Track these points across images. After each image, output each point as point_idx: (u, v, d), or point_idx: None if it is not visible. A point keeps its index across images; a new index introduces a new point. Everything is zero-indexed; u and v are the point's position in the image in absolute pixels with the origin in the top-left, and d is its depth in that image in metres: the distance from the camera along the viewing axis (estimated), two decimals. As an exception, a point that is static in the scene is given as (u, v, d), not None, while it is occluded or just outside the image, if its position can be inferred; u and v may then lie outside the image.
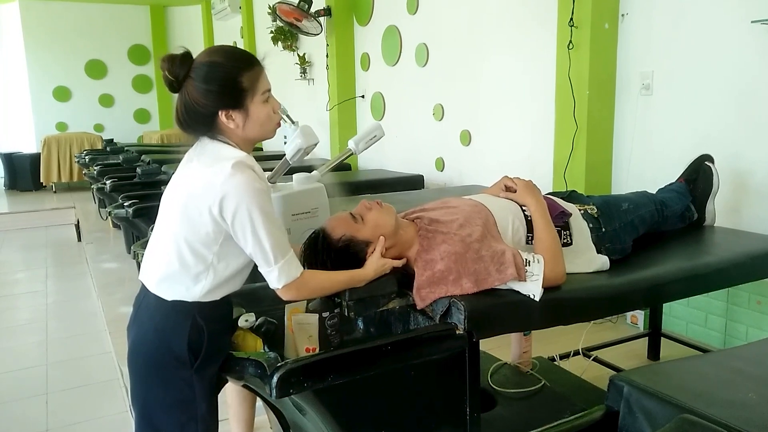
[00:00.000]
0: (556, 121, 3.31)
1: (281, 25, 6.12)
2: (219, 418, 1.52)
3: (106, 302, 3.83)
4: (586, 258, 1.80)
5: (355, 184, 4.23)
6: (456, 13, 4.24)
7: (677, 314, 2.96)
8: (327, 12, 5.55)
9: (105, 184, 4.97)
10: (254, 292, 1.55)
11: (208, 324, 1.40)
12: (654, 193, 2.25)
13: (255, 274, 1.43)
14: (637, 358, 2.71)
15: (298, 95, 6.70)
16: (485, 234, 1.61)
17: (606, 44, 3.09)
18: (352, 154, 2.04)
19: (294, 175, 1.97)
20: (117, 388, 2.72)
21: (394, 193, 3.70)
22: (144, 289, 1.44)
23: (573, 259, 1.75)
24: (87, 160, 6.69)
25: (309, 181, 1.96)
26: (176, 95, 1.40)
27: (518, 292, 1.55)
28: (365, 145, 2.02)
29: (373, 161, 5.44)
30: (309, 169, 2.16)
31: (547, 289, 1.55)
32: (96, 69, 9.92)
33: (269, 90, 1.43)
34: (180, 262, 1.37)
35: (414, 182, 4.51)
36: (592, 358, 2.55)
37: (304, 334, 1.54)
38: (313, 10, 5.56)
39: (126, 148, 7.00)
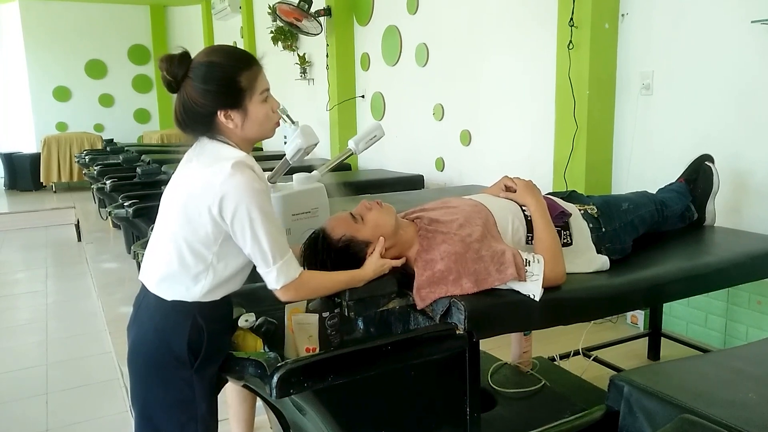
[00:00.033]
0: (556, 121, 3.31)
1: (281, 25, 6.12)
2: (219, 418, 1.52)
3: (106, 302, 3.83)
4: (586, 258, 1.80)
5: (355, 184, 4.23)
6: (456, 13, 4.24)
7: (677, 314, 2.96)
8: (327, 12, 5.55)
9: (105, 184, 4.97)
10: (254, 292, 1.55)
11: (208, 324, 1.40)
12: (654, 193, 2.25)
13: (255, 274, 1.43)
14: (637, 358, 2.71)
15: (298, 95, 6.70)
16: (485, 234, 1.61)
17: (606, 44, 3.09)
18: (352, 154, 2.04)
19: (294, 175, 1.97)
20: (117, 388, 2.72)
21: (394, 193, 3.70)
22: (144, 289, 1.44)
23: (573, 259, 1.75)
24: (87, 160, 6.69)
25: (309, 181, 1.96)
26: (175, 95, 1.40)
27: (518, 292, 1.55)
28: (365, 145, 2.02)
29: (373, 161, 5.44)
30: (309, 169, 2.16)
31: (547, 289, 1.55)
32: (96, 69, 9.93)
33: (268, 89, 1.43)
34: (180, 262, 1.37)
35: (414, 182, 4.51)
36: (592, 358, 2.55)
37: (304, 334, 1.54)
38: (313, 10, 5.56)
39: (126, 148, 7.01)
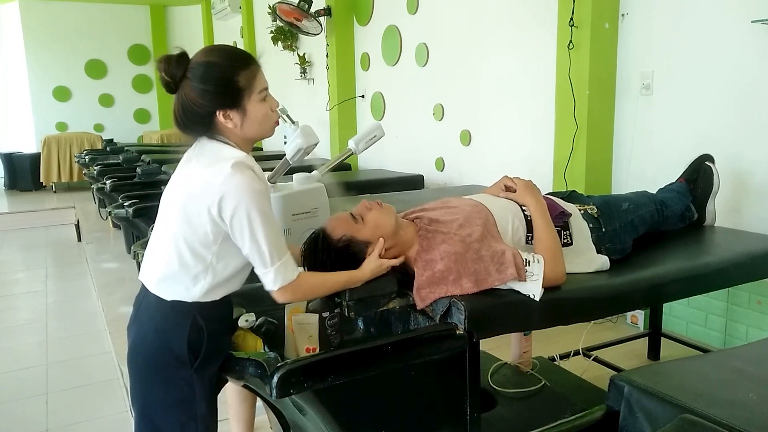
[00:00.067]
0: (556, 121, 3.31)
1: (281, 25, 6.12)
2: (219, 418, 1.52)
3: (106, 302, 3.83)
4: (586, 258, 1.80)
5: (355, 184, 4.23)
6: (456, 13, 4.24)
7: (677, 314, 2.96)
8: (327, 12, 5.55)
9: (105, 184, 4.97)
10: (254, 292, 1.55)
11: (208, 324, 1.40)
12: (654, 193, 2.25)
13: (255, 274, 1.43)
14: (637, 358, 2.71)
15: (298, 95, 6.70)
16: (485, 234, 1.61)
17: (606, 44, 3.09)
18: (352, 154, 2.04)
19: (294, 175, 1.97)
20: (117, 388, 2.72)
21: (394, 193, 3.70)
22: (144, 289, 1.44)
23: (573, 259, 1.75)
24: (87, 160, 6.69)
25: (309, 181, 1.96)
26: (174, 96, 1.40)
27: (518, 292, 1.55)
28: (365, 145, 2.02)
29: (373, 161, 5.44)
30: (309, 169, 2.16)
31: (547, 289, 1.54)
32: (96, 69, 9.93)
33: (266, 88, 1.43)
34: (179, 262, 1.37)
35: (414, 182, 4.51)
36: (592, 358, 2.55)
37: (304, 334, 1.54)
38: (313, 10, 5.56)
39: (126, 148, 7.01)
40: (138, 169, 5.27)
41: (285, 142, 6.04)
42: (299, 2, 5.52)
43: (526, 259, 1.55)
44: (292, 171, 2.02)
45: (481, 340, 1.52)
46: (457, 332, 1.47)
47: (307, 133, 1.84)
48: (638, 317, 3.07)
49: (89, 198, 7.53)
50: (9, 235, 6.46)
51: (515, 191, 1.82)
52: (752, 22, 2.46)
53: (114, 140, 8.36)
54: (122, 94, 10.13)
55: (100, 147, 8.45)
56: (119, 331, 3.01)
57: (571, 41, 3.09)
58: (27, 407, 2.60)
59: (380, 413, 1.48)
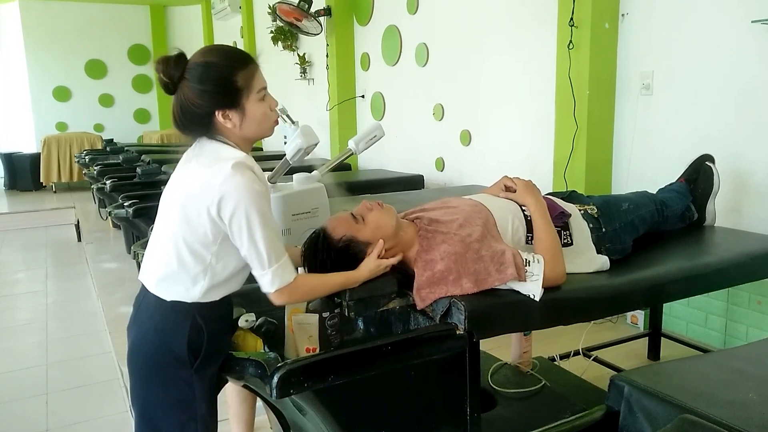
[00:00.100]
0: (556, 121, 3.31)
1: (281, 25, 6.12)
2: (219, 418, 1.52)
3: (106, 302, 3.83)
4: (586, 258, 1.80)
5: (355, 184, 4.22)
6: (456, 13, 4.24)
7: (677, 314, 2.96)
8: (327, 12, 5.55)
9: (105, 184, 4.97)
10: (254, 292, 1.55)
11: (208, 324, 1.40)
12: (654, 193, 2.25)
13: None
14: (637, 358, 2.71)
15: (298, 95, 6.70)
16: (485, 234, 1.60)
17: (606, 44, 3.09)
18: (352, 154, 2.04)
19: (294, 175, 1.97)
20: (117, 388, 2.72)
21: (394, 193, 3.70)
22: (144, 290, 1.44)
23: (573, 259, 1.75)
24: (87, 160, 6.69)
25: (309, 181, 1.96)
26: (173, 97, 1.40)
27: (518, 292, 1.55)
28: (365, 145, 2.02)
29: (373, 161, 5.44)
30: (309, 169, 2.16)
31: (547, 289, 1.54)
32: (96, 69, 9.93)
33: (265, 88, 1.43)
34: (179, 262, 1.37)
35: (414, 182, 4.51)
36: (592, 358, 2.55)
37: (304, 334, 1.54)
38: (313, 10, 5.56)
39: (126, 148, 7.01)
40: (138, 169, 5.27)
41: (285, 142, 6.04)
42: (299, 2, 5.52)
43: (526, 259, 1.55)
44: (292, 171, 2.02)
45: (481, 340, 1.52)
46: (457, 332, 1.47)
47: (307, 133, 1.84)
48: (638, 317, 3.07)
49: (89, 198, 7.53)
50: (9, 235, 6.46)
51: (515, 191, 1.82)
52: (752, 22, 2.46)
53: (114, 140, 8.36)
54: (122, 94, 10.13)
55: (100, 147, 8.45)
56: (119, 331, 3.01)
57: (571, 41, 3.09)
58: (27, 407, 2.60)
59: (380, 413, 1.48)
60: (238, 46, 3.99)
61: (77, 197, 8.11)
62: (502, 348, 2.41)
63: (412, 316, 1.62)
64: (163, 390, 1.42)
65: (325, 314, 1.57)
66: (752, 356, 1.66)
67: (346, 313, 1.53)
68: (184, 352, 1.38)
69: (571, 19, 3.06)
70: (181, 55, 1.37)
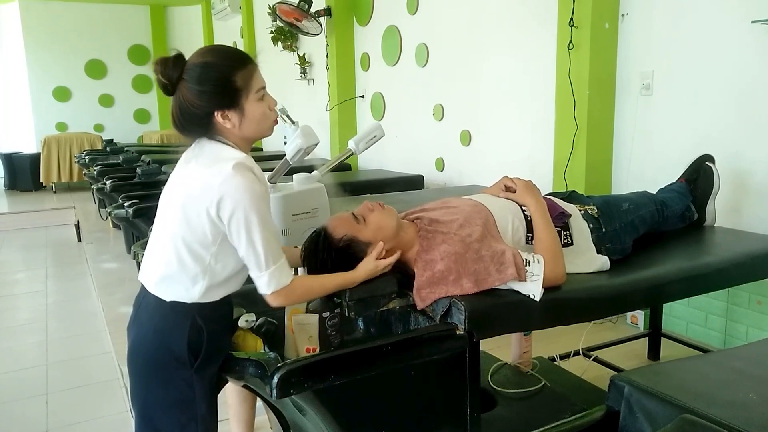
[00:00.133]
0: (556, 121, 3.31)
1: (281, 25, 6.12)
2: (219, 418, 1.52)
3: (106, 302, 3.83)
4: (587, 258, 1.80)
5: (355, 184, 4.23)
6: (456, 13, 4.24)
7: (677, 314, 2.96)
8: (327, 12, 5.55)
9: (105, 184, 4.98)
10: (254, 293, 1.55)
11: (208, 324, 1.40)
12: (654, 193, 2.25)
13: (254, 275, 1.43)
14: (637, 358, 2.71)
15: (298, 95, 6.70)
16: (485, 234, 1.60)
17: (606, 44, 3.08)
18: (352, 154, 2.04)
19: (294, 175, 1.97)
20: (117, 388, 2.72)
21: (395, 193, 3.70)
22: (143, 290, 1.44)
23: (573, 259, 1.75)
24: (87, 160, 6.69)
25: (309, 181, 1.96)
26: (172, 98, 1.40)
27: (518, 292, 1.55)
28: (365, 145, 2.02)
29: (373, 161, 5.44)
30: (309, 169, 2.16)
31: (547, 290, 1.54)
32: (96, 69, 9.93)
33: (264, 87, 1.43)
34: (178, 262, 1.37)
35: (414, 182, 4.51)
36: (592, 358, 2.55)
37: (304, 335, 1.54)
38: (313, 10, 5.56)
39: (126, 148, 7.01)
40: (138, 170, 5.27)
41: (285, 143, 6.04)
42: (299, 2, 5.52)
43: (526, 259, 1.55)
44: (292, 171, 2.02)
45: (481, 340, 1.52)
46: (457, 332, 1.47)
47: (307, 133, 1.84)
48: (638, 317, 3.07)
49: (89, 198, 7.53)
50: (9, 236, 6.46)
51: (515, 191, 1.81)
52: (752, 22, 2.46)
53: (114, 140, 8.37)
54: (122, 94, 10.13)
55: (100, 147, 8.45)
56: (119, 331, 3.01)
57: (571, 41, 3.09)
58: (27, 407, 2.60)
59: (380, 413, 1.48)
60: (238, 47, 3.98)
61: (77, 197, 8.12)
62: (502, 348, 2.41)
63: (412, 316, 1.62)
64: (163, 390, 1.42)
65: (325, 314, 1.57)
66: (752, 356, 1.66)
67: (346, 313, 1.53)
68: (184, 352, 1.38)
69: (571, 19, 3.06)
70: (179, 56, 1.37)
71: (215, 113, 1.37)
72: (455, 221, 1.63)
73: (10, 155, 9.02)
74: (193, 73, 1.35)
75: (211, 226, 1.35)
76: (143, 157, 5.90)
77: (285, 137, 6.27)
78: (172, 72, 1.35)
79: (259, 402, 1.93)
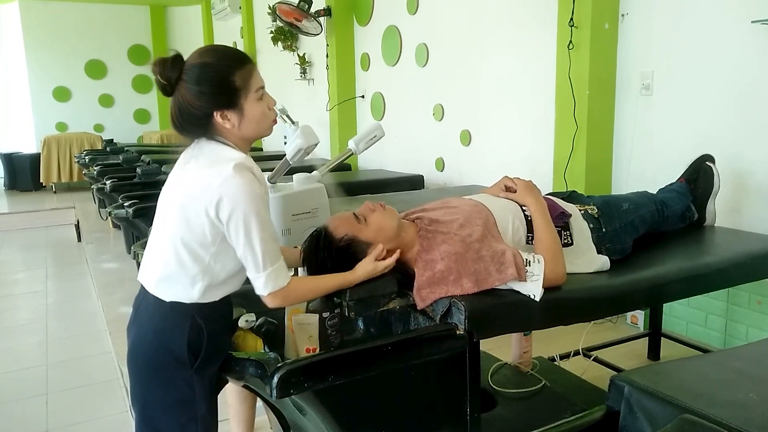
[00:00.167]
0: (556, 121, 3.31)
1: (281, 25, 6.12)
2: (219, 418, 1.52)
3: (106, 302, 3.83)
4: (587, 258, 1.80)
5: (355, 184, 4.23)
6: (456, 13, 4.24)
7: (677, 314, 2.96)
8: (327, 12, 5.55)
9: (105, 184, 4.98)
10: (254, 293, 1.55)
11: (208, 324, 1.40)
12: (654, 193, 2.25)
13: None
14: (637, 358, 2.71)
15: (298, 95, 6.70)
16: (485, 234, 1.60)
17: (606, 44, 3.09)
18: (352, 154, 2.04)
19: (294, 176, 1.97)
20: (117, 388, 2.72)
21: (395, 193, 3.70)
22: (143, 290, 1.44)
23: (573, 259, 1.75)
24: (87, 160, 6.70)
25: (309, 181, 1.96)
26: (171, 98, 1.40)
27: (518, 292, 1.55)
28: (365, 145, 2.02)
29: (373, 161, 5.44)
30: (309, 169, 2.16)
31: (547, 290, 1.54)
32: (96, 69, 9.93)
33: (263, 87, 1.43)
34: (178, 263, 1.37)
35: (414, 182, 4.51)
36: (592, 358, 2.55)
37: (304, 335, 1.54)
38: (313, 10, 5.56)
39: (126, 148, 7.01)
40: (138, 170, 5.27)
41: (285, 143, 6.04)
42: (299, 2, 5.52)
43: (526, 259, 1.55)
44: (292, 171, 2.02)
45: (481, 340, 1.52)
46: (458, 332, 1.47)
47: (307, 133, 1.84)
48: (638, 317, 3.07)
49: (89, 198, 7.53)
50: (9, 236, 6.46)
51: (515, 191, 1.81)
52: (752, 22, 2.46)
53: (114, 140, 8.36)
54: (122, 94, 10.13)
55: (100, 147, 8.46)
56: (119, 332, 3.01)
57: (571, 41, 3.09)
58: (27, 407, 2.60)
59: (380, 413, 1.48)
60: (238, 47, 3.97)
61: (77, 197, 8.12)
62: (502, 348, 2.41)
63: (413, 316, 1.62)
64: (163, 390, 1.42)
65: (325, 314, 1.57)
66: (752, 356, 1.66)
67: (346, 313, 1.53)
68: (184, 352, 1.38)
69: (571, 19, 3.06)
70: (178, 57, 1.36)
71: (214, 113, 1.37)
72: (455, 221, 1.63)
73: (10, 155, 9.02)
74: (191, 74, 1.35)
75: (211, 226, 1.35)
76: (143, 157, 5.90)
77: (285, 137, 6.27)
78: (170, 72, 1.35)
79: (259, 402, 1.93)
